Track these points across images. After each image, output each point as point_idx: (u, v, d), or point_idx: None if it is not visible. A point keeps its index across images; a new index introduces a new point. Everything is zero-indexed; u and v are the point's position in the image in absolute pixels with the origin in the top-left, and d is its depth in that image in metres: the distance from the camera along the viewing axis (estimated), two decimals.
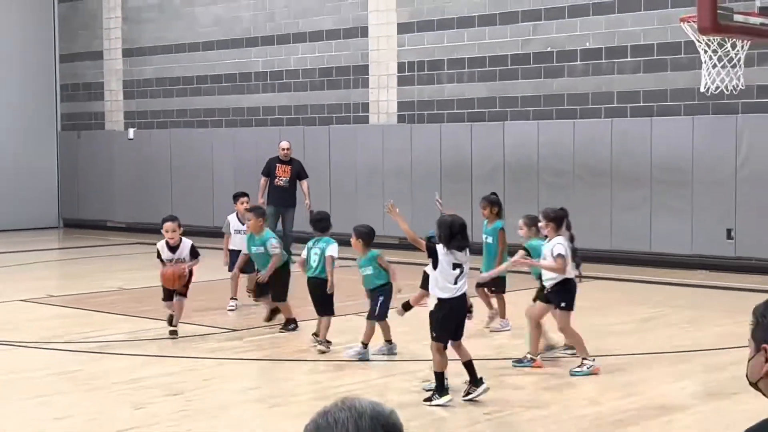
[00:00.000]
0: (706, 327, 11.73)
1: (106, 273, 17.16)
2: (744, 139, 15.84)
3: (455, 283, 8.30)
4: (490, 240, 11.24)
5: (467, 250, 8.40)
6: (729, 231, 16.04)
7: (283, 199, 17.13)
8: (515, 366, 9.54)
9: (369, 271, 10.01)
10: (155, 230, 22.47)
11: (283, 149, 17.45)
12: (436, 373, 8.34)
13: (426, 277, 9.06)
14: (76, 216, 25.54)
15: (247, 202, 13.15)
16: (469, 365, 8.41)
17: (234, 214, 13.22)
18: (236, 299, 12.99)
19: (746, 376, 2.76)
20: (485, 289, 11.36)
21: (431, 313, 8.42)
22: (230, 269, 13.00)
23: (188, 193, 22.90)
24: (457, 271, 8.30)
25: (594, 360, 9.28)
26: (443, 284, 8.31)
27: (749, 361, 2.74)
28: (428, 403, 8.22)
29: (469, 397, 8.33)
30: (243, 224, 12.75)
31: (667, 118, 16.56)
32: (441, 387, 8.29)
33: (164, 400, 8.48)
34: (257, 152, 18.99)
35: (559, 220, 9.47)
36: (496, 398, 8.45)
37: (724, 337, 10.94)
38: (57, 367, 9.87)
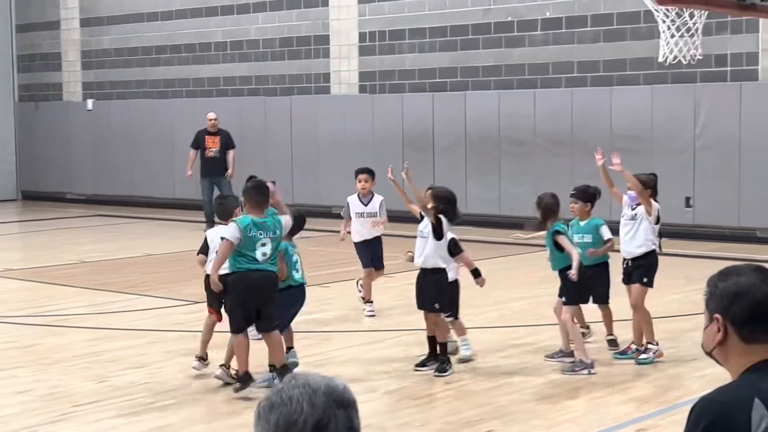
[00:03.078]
0: (664, 294, 11.83)
1: (65, 246, 17.02)
2: (702, 108, 15.96)
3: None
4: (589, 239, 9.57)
5: None
6: (687, 199, 16.19)
7: (216, 170, 18.03)
8: (617, 357, 8.88)
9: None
10: (115, 202, 22.34)
11: (210, 119, 18.35)
12: (443, 344, 8.42)
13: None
14: (35, 188, 25.27)
15: (366, 180, 10.94)
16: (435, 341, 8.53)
17: (355, 195, 10.94)
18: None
19: (702, 345, 2.81)
20: None
21: (444, 287, 8.42)
22: (365, 265, 10.83)
23: (148, 164, 22.71)
24: None
25: (658, 344, 8.81)
26: (446, 256, 8.45)
27: (704, 330, 2.78)
28: (441, 374, 8.24)
29: (425, 369, 8.40)
30: (365, 205, 10.85)
31: (627, 88, 16.64)
32: (448, 358, 8.43)
33: (125, 373, 8.45)
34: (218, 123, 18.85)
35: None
36: (459, 369, 8.49)
37: (682, 305, 11.09)
38: (17, 341, 9.80)
